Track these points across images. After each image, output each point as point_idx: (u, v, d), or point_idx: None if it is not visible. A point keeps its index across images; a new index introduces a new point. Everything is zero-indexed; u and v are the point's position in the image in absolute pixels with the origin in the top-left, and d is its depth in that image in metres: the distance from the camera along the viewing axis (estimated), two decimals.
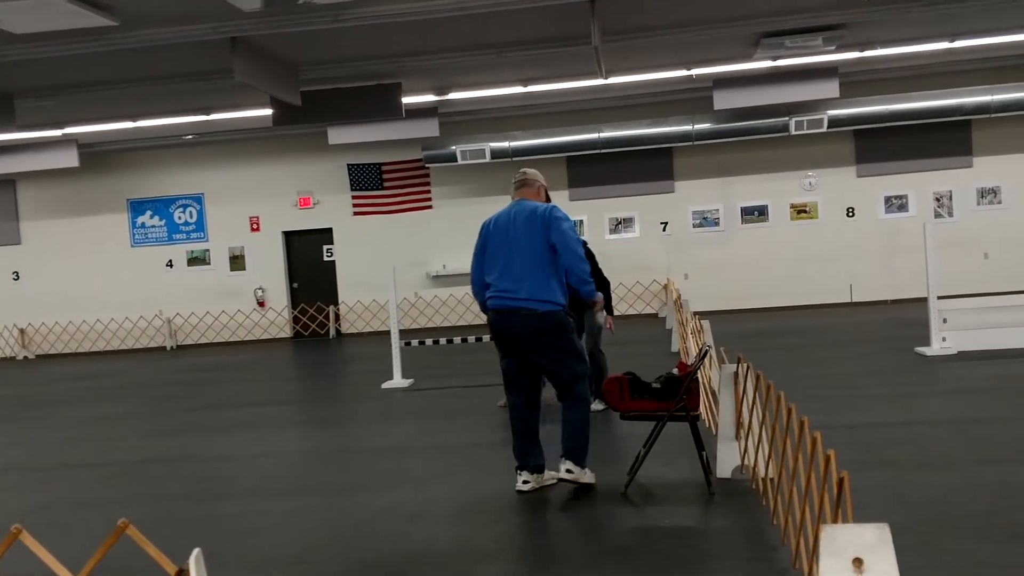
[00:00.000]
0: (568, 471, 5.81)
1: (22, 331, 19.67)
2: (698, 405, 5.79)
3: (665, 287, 17.13)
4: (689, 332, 9.58)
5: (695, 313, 10.45)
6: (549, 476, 6.00)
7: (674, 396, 5.63)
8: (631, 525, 5.18)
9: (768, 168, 17.71)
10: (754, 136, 16.89)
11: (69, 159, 16.66)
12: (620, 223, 18.20)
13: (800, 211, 17.80)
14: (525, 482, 5.90)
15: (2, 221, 19.71)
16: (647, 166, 17.85)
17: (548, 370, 5.86)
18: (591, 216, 18.10)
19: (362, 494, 6.30)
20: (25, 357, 19.56)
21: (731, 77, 14.52)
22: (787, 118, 16.42)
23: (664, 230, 18.06)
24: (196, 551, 2.62)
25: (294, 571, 4.82)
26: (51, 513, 6.38)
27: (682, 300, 11.69)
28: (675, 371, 5.75)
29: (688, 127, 16.98)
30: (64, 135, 15.90)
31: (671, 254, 17.95)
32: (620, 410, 5.77)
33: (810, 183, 17.70)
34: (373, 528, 5.46)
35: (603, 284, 8.18)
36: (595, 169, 17.89)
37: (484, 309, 5.99)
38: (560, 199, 17.48)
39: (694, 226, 18.06)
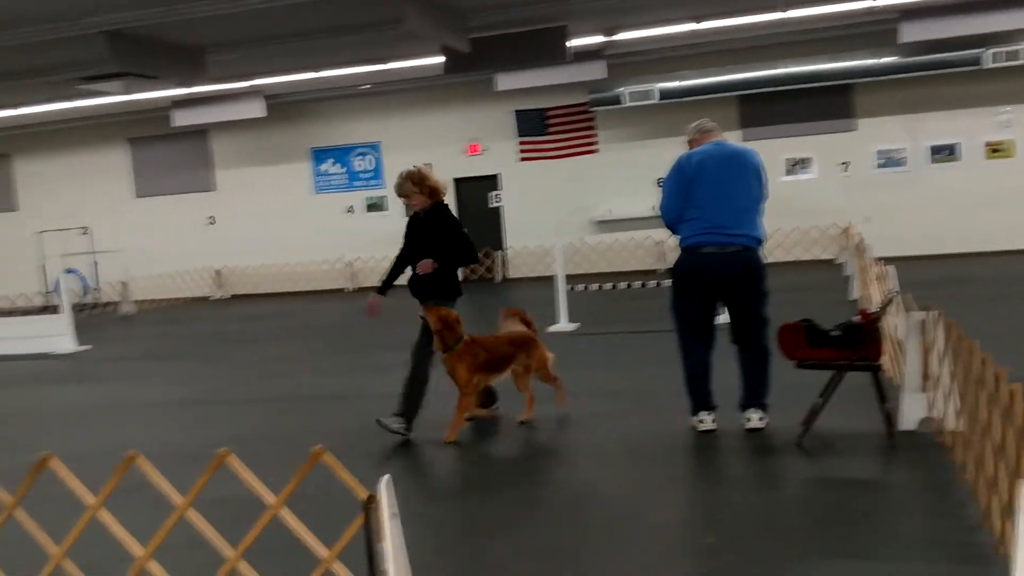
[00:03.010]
0: (760, 418, 5.88)
1: (217, 272, 21.04)
2: (880, 354, 5.52)
3: (845, 231, 16.36)
4: (872, 279, 9.14)
5: (878, 259, 9.93)
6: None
7: (855, 345, 5.40)
8: (807, 475, 5.05)
9: (959, 104, 16.48)
10: (944, 70, 15.74)
11: (257, 109, 17.53)
12: (796, 164, 17.46)
13: (995, 150, 16.53)
14: (702, 422, 5.97)
15: (198, 169, 21.02)
16: (825, 104, 16.99)
17: (748, 311, 5.87)
18: (765, 157, 17.26)
19: (527, 434, 6.42)
20: (220, 297, 20.94)
21: (919, 7, 13.53)
22: (981, 50, 15.19)
23: (844, 171, 17.21)
24: (386, 477, 2.74)
25: (470, 498, 5.00)
26: (242, 444, 6.83)
27: (864, 245, 11.13)
28: (856, 318, 5.50)
29: (871, 61, 16.01)
30: (251, 87, 16.71)
31: (851, 196, 17.07)
32: (796, 358, 5.58)
33: (1007, 119, 16.37)
34: (540, 465, 5.57)
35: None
36: (769, 108, 17.18)
37: (674, 232, 6.08)
38: (733, 139, 16.92)
39: (877, 166, 17.10)
